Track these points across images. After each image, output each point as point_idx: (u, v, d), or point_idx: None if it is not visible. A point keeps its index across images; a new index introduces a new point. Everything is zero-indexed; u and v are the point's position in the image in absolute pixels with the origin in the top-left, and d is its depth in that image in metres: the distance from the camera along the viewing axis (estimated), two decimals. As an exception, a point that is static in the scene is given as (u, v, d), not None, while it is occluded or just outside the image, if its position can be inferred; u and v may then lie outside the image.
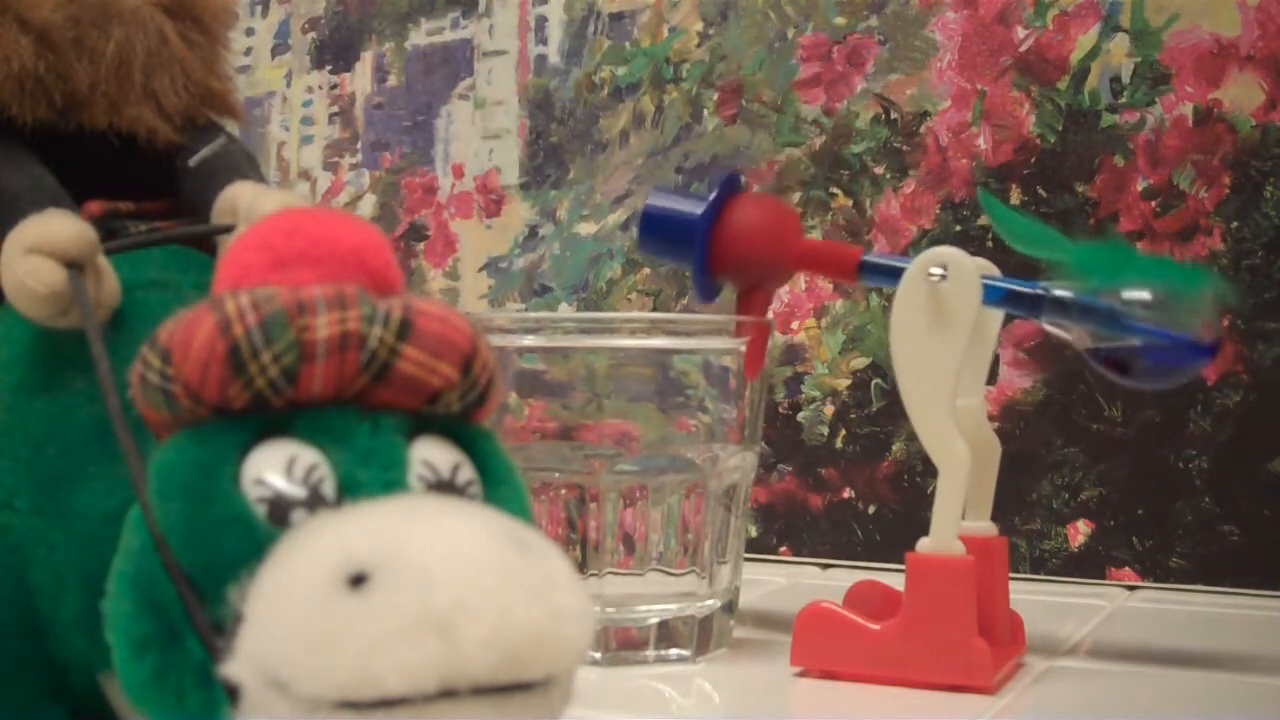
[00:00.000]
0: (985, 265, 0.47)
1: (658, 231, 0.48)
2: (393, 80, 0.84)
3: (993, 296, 0.44)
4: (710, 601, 0.48)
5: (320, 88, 0.87)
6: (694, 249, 0.47)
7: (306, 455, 0.25)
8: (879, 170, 0.71)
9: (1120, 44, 0.66)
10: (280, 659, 0.22)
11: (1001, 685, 0.44)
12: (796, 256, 0.48)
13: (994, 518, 0.48)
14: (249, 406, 0.25)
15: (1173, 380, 0.45)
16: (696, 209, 0.47)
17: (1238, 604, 0.61)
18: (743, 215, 0.48)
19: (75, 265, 0.31)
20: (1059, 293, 0.45)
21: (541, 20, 0.80)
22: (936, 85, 0.70)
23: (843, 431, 0.71)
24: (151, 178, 0.37)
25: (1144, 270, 0.44)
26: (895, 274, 0.45)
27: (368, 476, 0.25)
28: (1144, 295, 0.44)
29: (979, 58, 0.69)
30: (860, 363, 0.71)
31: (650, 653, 0.47)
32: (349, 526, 0.23)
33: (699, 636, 0.48)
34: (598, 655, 0.47)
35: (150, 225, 0.36)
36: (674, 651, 0.48)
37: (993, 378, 0.48)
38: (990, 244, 0.68)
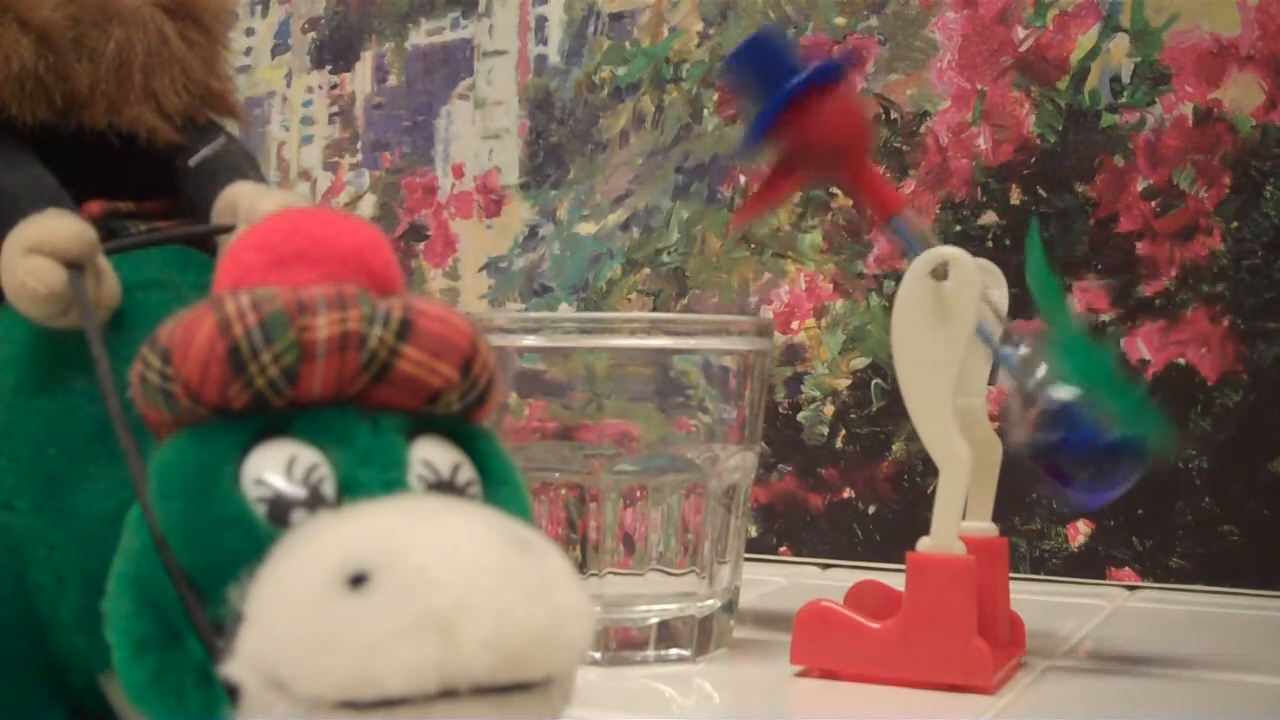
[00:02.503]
0: (986, 265, 0.47)
1: (758, 60, 0.47)
2: (393, 80, 0.84)
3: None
4: (710, 601, 0.48)
5: (320, 88, 0.87)
6: (775, 97, 0.46)
7: (306, 455, 0.25)
8: (879, 170, 0.71)
9: (1120, 44, 0.66)
10: (280, 659, 0.22)
11: (1001, 685, 0.44)
12: (854, 168, 0.47)
13: (994, 518, 0.48)
14: (249, 406, 0.25)
15: (1103, 486, 0.45)
16: (802, 66, 0.46)
17: (1238, 604, 0.61)
18: (833, 99, 0.47)
19: (75, 265, 0.31)
20: (1024, 351, 0.45)
21: (541, 20, 0.80)
22: (936, 85, 0.70)
23: (843, 431, 0.71)
24: (151, 178, 0.37)
25: (1106, 390, 0.45)
26: (908, 247, 0.45)
27: (368, 476, 0.25)
28: (1063, 396, 0.45)
29: (979, 58, 0.69)
30: (860, 363, 0.71)
31: (650, 653, 0.47)
32: (349, 526, 0.23)
33: (699, 636, 0.48)
34: (598, 655, 0.47)
35: (150, 225, 0.36)
36: (674, 651, 0.48)
37: (993, 378, 0.48)
38: (990, 244, 0.68)
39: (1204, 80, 0.65)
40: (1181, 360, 0.65)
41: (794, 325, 0.72)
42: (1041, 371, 0.45)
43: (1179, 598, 0.62)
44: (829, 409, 0.71)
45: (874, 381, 0.71)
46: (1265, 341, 0.63)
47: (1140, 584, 0.65)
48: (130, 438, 0.27)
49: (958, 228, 0.69)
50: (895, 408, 0.70)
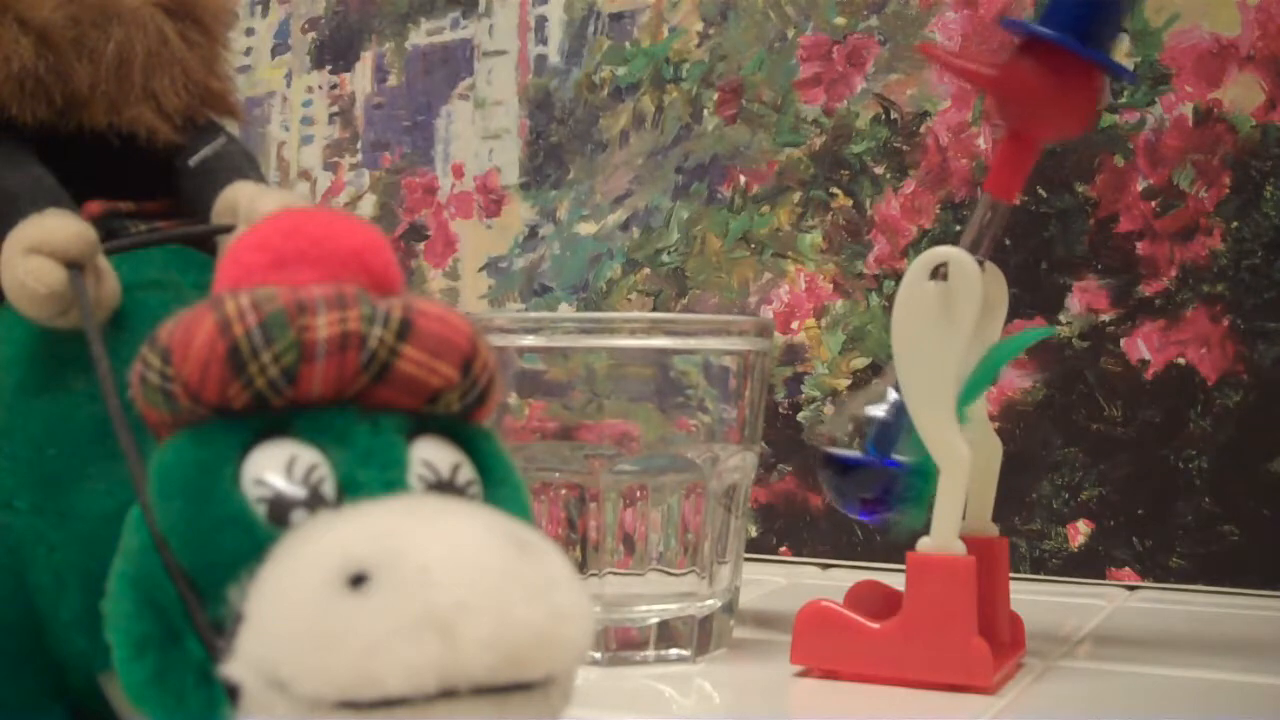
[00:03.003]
0: (986, 266, 0.47)
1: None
2: (393, 80, 0.84)
3: None
4: (710, 601, 0.48)
5: (320, 88, 0.87)
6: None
7: (306, 455, 0.25)
8: (879, 170, 0.71)
9: (1120, 44, 0.66)
10: (280, 659, 0.22)
11: (1001, 685, 0.44)
12: (1035, 136, 0.47)
13: (994, 518, 0.48)
14: (249, 406, 0.25)
15: (866, 509, 0.48)
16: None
17: (1238, 604, 0.61)
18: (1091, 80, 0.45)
19: (75, 265, 0.31)
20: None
21: (541, 20, 0.80)
22: (936, 85, 0.70)
23: (843, 431, 0.71)
24: (151, 178, 0.37)
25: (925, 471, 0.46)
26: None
27: (368, 476, 0.25)
28: (878, 413, 0.47)
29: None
30: (860, 363, 0.71)
31: (650, 653, 0.47)
32: (349, 526, 0.23)
33: (699, 636, 0.48)
34: (598, 655, 0.47)
35: (150, 225, 0.36)
36: (674, 651, 0.48)
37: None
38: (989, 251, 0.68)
39: (1204, 80, 0.65)
40: (1181, 360, 0.65)
41: (794, 325, 0.72)
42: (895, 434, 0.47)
43: (1179, 598, 0.62)
44: (829, 409, 0.71)
45: (874, 382, 0.71)
46: (1265, 341, 0.63)
47: (1140, 584, 0.65)
48: (130, 438, 0.27)
49: (958, 228, 0.69)
50: (895, 408, 0.70)
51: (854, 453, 0.48)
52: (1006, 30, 0.46)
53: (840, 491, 0.48)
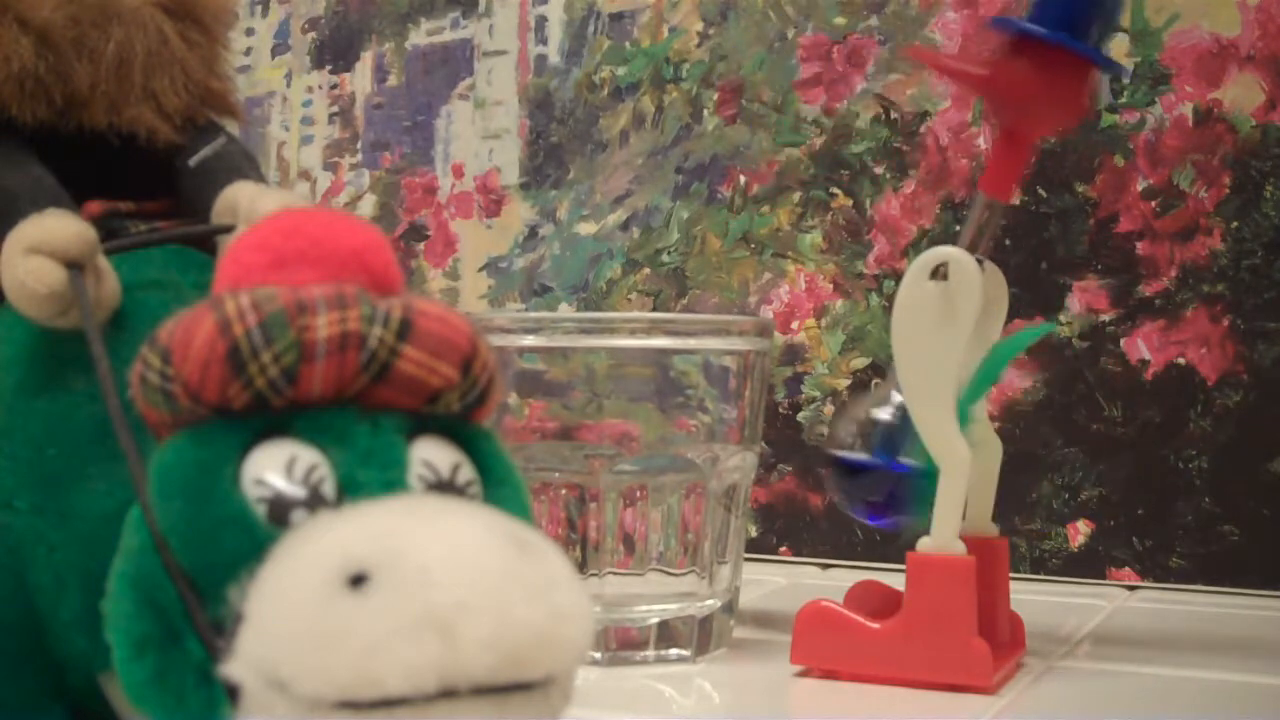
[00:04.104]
0: (986, 266, 0.47)
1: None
2: (393, 80, 0.84)
3: None
4: (710, 601, 0.48)
5: (320, 88, 0.87)
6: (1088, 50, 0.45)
7: (306, 455, 0.25)
8: (879, 170, 0.71)
9: (1120, 44, 0.66)
10: (280, 659, 0.22)
11: (1001, 685, 0.44)
12: (1029, 131, 0.47)
13: (994, 518, 0.48)
14: (249, 406, 0.25)
15: (872, 513, 0.48)
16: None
17: (1238, 604, 0.61)
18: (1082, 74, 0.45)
19: (75, 265, 0.31)
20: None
21: (541, 20, 0.80)
22: (936, 85, 0.70)
23: (843, 431, 0.71)
24: (151, 178, 0.37)
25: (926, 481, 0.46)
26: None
27: (368, 476, 0.25)
28: (884, 416, 0.47)
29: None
30: (860, 363, 0.71)
31: (650, 653, 0.47)
32: (349, 526, 0.23)
33: (699, 636, 0.48)
34: (598, 655, 0.47)
35: (150, 225, 0.36)
36: (674, 651, 0.48)
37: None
38: (990, 249, 0.68)
39: (1204, 80, 0.65)
40: (1181, 360, 0.65)
41: (794, 325, 0.72)
42: (899, 434, 0.47)
43: (1179, 598, 0.62)
44: (829, 409, 0.71)
45: (874, 381, 0.71)
46: (1265, 341, 0.63)
47: (1140, 584, 0.65)
48: (130, 438, 0.27)
49: (958, 228, 0.69)
50: (895, 408, 0.70)
51: (861, 456, 0.48)
52: (996, 29, 0.46)
53: (847, 495, 0.48)
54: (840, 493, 0.48)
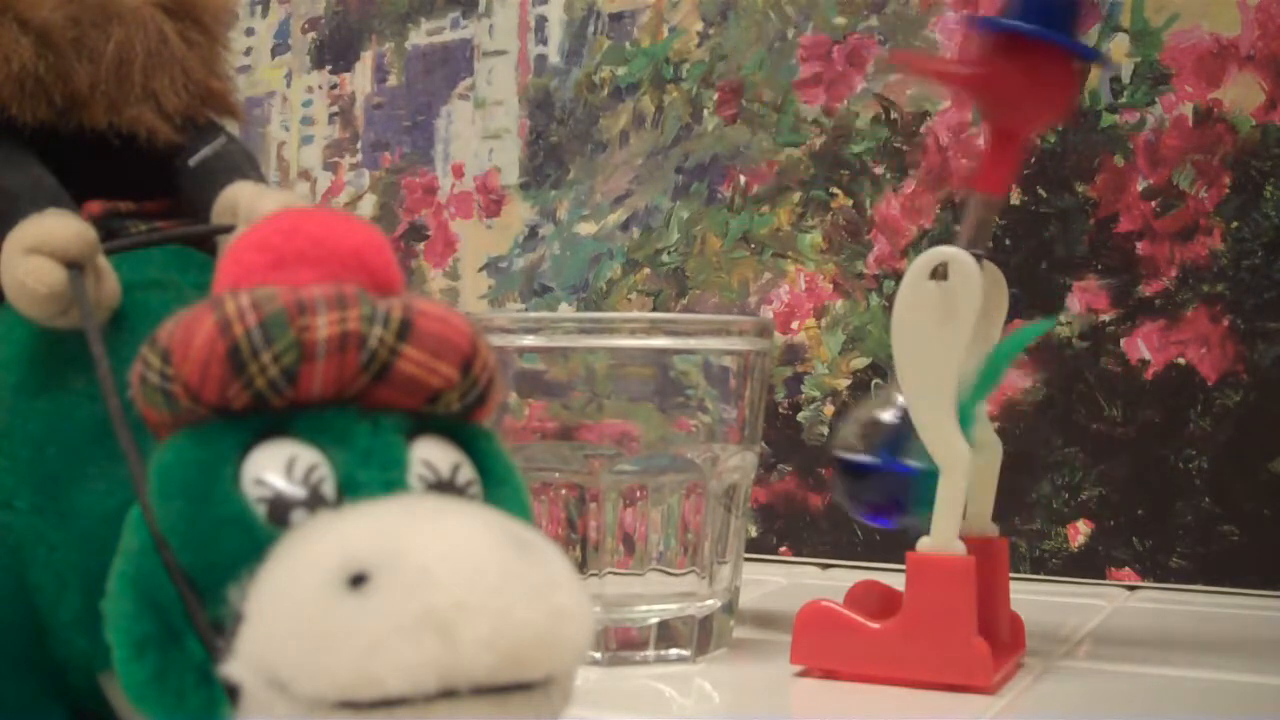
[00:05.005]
0: (986, 265, 0.47)
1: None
2: (393, 80, 0.84)
3: None
4: (710, 601, 0.48)
5: (320, 88, 0.87)
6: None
7: (306, 455, 0.25)
8: (879, 170, 0.71)
9: (1120, 44, 0.66)
10: (280, 659, 0.22)
11: (1001, 685, 0.44)
12: (1021, 127, 0.47)
13: (994, 518, 0.48)
14: (249, 406, 0.25)
15: (876, 514, 0.48)
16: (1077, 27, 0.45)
17: (1238, 604, 0.61)
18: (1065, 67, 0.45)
19: (75, 265, 0.31)
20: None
21: (541, 20, 0.80)
22: (937, 85, 0.70)
23: (843, 431, 0.71)
24: (151, 178, 0.37)
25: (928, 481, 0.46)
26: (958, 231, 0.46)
27: (368, 476, 0.25)
28: (888, 418, 0.47)
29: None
30: (860, 363, 0.71)
31: (650, 653, 0.47)
32: (349, 526, 0.23)
33: (699, 636, 0.48)
34: (598, 655, 0.47)
35: (150, 225, 0.36)
36: (674, 651, 0.48)
37: (993, 378, 0.48)
38: (990, 244, 0.68)
39: (1204, 80, 0.65)
40: (1181, 360, 0.65)
41: (794, 325, 0.72)
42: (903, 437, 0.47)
43: (1179, 598, 0.62)
44: (829, 409, 0.71)
45: (874, 381, 0.71)
46: (1265, 341, 0.63)
47: (1140, 584, 0.65)
48: (130, 438, 0.27)
49: (957, 227, 0.69)
50: (895, 408, 0.70)
51: (865, 457, 0.47)
52: (978, 28, 0.46)
53: (851, 496, 0.48)
54: (844, 494, 0.48)
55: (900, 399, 0.46)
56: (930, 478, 0.44)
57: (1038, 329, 0.49)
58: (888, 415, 0.47)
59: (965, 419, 0.44)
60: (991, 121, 0.47)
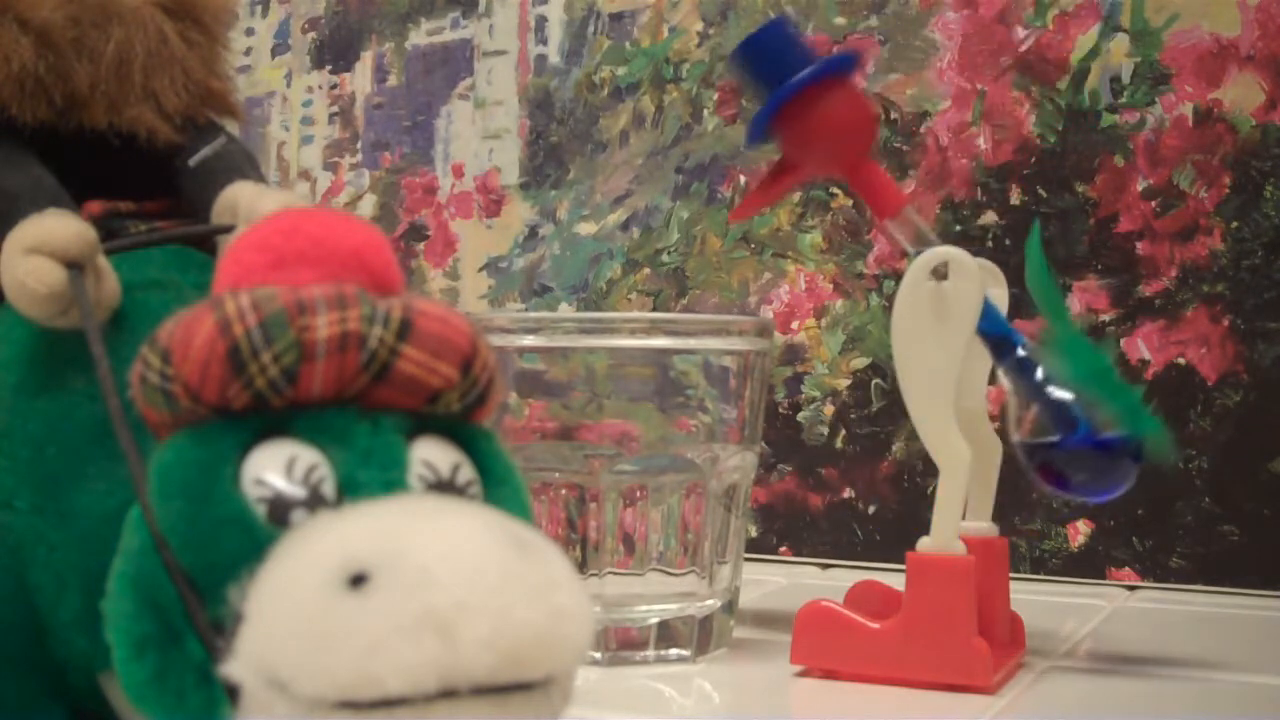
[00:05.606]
0: (986, 265, 0.47)
1: (766, 51, 0.46)
2: (393, 80, 0.84)
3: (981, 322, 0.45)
4: (710, 601, 0.48)
5: (320, 88, 0.87)
6: (776, 93, 0.45)
7: (306, 455, 0.25)
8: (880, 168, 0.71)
9: (1120, 44, 0.66)
10: (280, 659, 0.22)
11: (1001, 685, 0.44)
12: (852, 165, 0.47)
13: (994, 518, 0.48)
14: (249, 406, 0.25)
15: (1100, 486, 0.46)
16: (805, 62, 0.45)
17: (1238, 604, 0.61)
18: (838, 95, 0.46)
19: (75, 265, 0.31)
20: (1023, 353, 0.46)
21: (541, 20, 0.80)
22: (936, 85, 0.70)
23: (843, 431, 0.71)
24: (151, 178, 0.37)
25: (1105, 391, 0.45)
26: (905, 250, 0.45)
27: (368, 476, 0.25)
28: (1067, 395, 0.45)
29: (979, 58, 0.69)
30: (860, 363, 0.71)
31: (650, 653, 0.47)
32: (349, 526, 0.23)
33: (699, 636, 0.48)
34: (598, 655, 0.47)
35: (150, 225, 0.36)
36: (674, 651, 0.48)
37: (993, 378, 0.48)
38: (990, 244, 0.68)
39: (1204, 80, 0.65)
40: (1181, 360, 0.65)
41: (794, 325, 0.72)
42: (1040, 373, 0.45)
43: (1179, 598, 0.62)
44: (829, 409, 0.71)
45: (874, 381, 0.71)
46: (1265, 341, 0.63)
47: (1140, 584, 0.65)
48: (130, 438, 0.27)
49: (958, 228, 0.69)
50: (895, 408, 0.70)
51: (1105, 435, 0.45)
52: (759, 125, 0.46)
53: (1103, 474, 0.45)
54: (1093, 477, 0.45)
55: (1040, 370, 0.45)
56: (1121, 408, 0.44)
57: (1033, 237, 0.48)
58: (1063, 393, 0.46)
59: (1076, 345, 0.44)
60: (823, 167, 0.48)
